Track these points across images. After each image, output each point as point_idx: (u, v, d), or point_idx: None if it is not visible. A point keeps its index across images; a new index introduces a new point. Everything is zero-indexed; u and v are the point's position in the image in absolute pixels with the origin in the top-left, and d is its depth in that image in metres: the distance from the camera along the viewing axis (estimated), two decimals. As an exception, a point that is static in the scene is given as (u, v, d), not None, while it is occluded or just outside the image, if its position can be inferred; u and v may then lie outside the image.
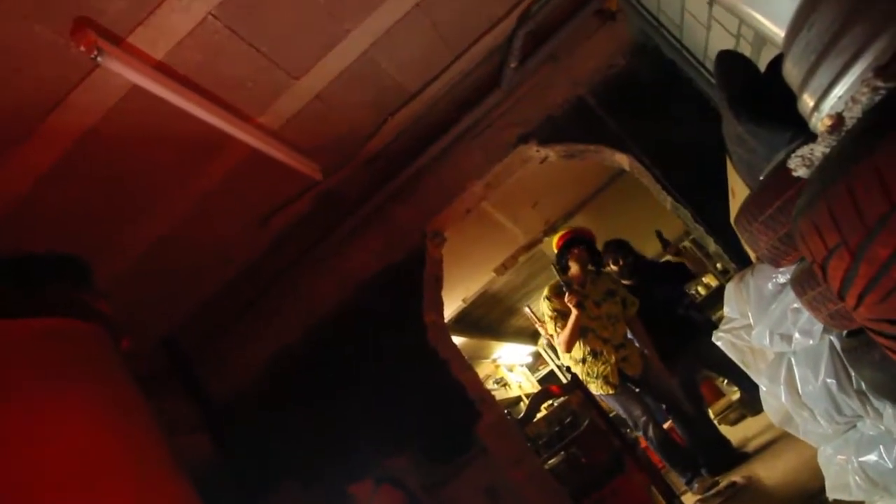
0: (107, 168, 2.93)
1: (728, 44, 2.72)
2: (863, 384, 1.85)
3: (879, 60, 0.81)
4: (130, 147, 2.90)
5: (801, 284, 1.56)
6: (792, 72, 0.98)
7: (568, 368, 4.99)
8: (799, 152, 0.95)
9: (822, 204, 0.82)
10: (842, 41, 0.85)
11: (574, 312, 4.61)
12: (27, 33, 2.17)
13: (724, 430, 5.59)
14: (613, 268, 5.18)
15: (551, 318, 4.85)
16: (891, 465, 1.94)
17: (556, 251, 5.08)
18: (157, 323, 4.26)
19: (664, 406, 4.92)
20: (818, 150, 0.91)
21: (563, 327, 4.72)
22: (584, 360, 4.78)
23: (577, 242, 4.95)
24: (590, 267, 4.93)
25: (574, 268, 4.88)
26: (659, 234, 5.34)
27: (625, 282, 5.13)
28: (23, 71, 2.30)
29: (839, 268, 0.84)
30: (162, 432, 2.28)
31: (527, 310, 9.48)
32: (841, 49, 0.85)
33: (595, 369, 4.74)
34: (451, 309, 7.33)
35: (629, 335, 4.92)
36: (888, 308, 0.81)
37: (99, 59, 2.23)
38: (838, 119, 0.85)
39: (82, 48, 2.21)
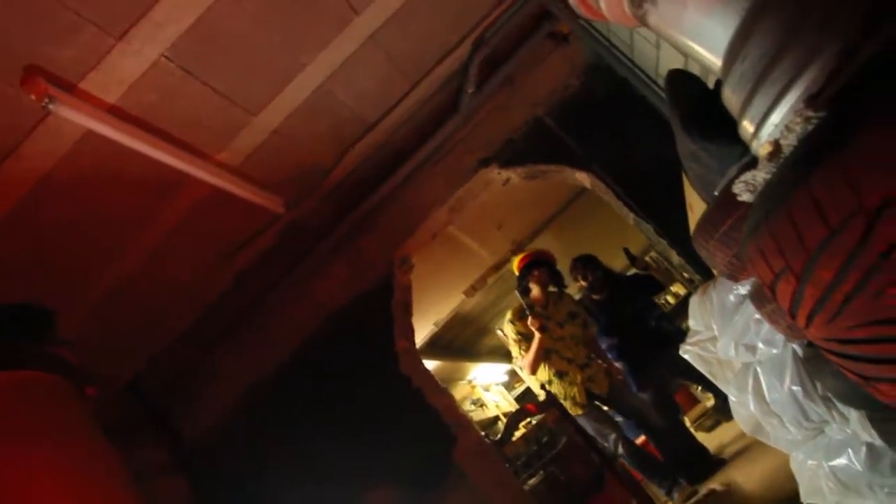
0: (65, 214, 2.89)
1: (678, 62, 2.78)
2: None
3: (810, 90, 0.84)
4: (87, 191, 2.86)
5: (759, 298, 1.58)
6: (731, 99, 1.01)
7: (542, 386, 5.00)
8: (742, 178, 0.98)
9: (766, 230, 0.84)
10: (774, 71, 0.88)
11: (537, 336, 4.64)
12: (-25, 84, 2.15)
13: (702, 436, 5.62)
14: (583, 283, 5.20)
15: (515, 341, 4.88)
16: (860, 468, 1.97)
17: (516, 274, 5.11)
18: (125, 366, 4.19)
19: (634, 421, 4.95)
20: (760, 175, 0.93)
21: (527, 350, 4.75)
22: (549, 382, 4.80)
23: (536, 265, 4.98)
24: (551, 288, 4.97)
25: (535, 290, 4.91)
26: (626, 252, 5.40)
27: (595, 296, 5.16)
28: (-28, 122, 2.28)
29: (787, 291, 0.86)
30: (130, 484, 2.23)
31: (499, 332, 9.53)
32: (774, 79, 0.88)
33: (562, 390, 4.76)
34: (422, 333, 7.32)
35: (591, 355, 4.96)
36: (836, 328, 0.83)
37: (50, 106, 2.21)
38: (776, 146, 0.87)
39: (33, 97, 2.19)
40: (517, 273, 5.11)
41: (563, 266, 5.26)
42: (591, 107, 3.97)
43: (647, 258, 10.38)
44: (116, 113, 2.56)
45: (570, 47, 4.00)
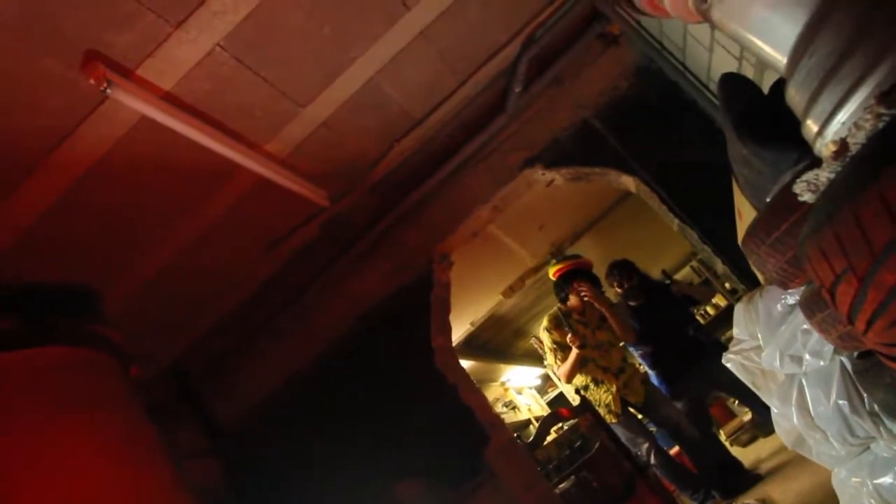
0: (115, 198, 2.96)
1: (731, 66, 2.74)
2: (875, 406, 1.83)
3: (882, 87, 0.81)
4: (139, 177, 2.92)
5: (810, 307, 1.55)
6: (795, 98, 0.99)
7: (577, 391, 4.97)
8: (804, 177, 0.96)
9: (829, 230, 0.82)
10: (844, 68, 0.86)
11: (574, 350, 4.62)
12: (38, 66, 2.21)
13: (737, 451, 5.54)
14: (618, 290, 5.15)
15: (551, 349, 4.86)
16: (906, 488, 1.92)
17: (553, 280, 5.07)
18: (166, 350, 4.28)
19: (667, 432, 4.89)
20: (823, 175, 0.91)
21: (563, 359, 4.74)
22: (585, 388, 4.78)
23: (576, 275, 4.94)
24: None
25: (574, 299, 4.88)
26: (664, 273, 5.33)
27: (631, 303, 5.11)
28: (33, 103, 2.34)
29: (847, 293, 0.84)
30: (171, 460, 2.28)
31: (533, 340, 9.50)
32: (843, 76, 0.86)
33: (597, 397, 4.74)
34: (459, 332, 7.32)
35: (628, 359, 4.91)
36: (897, 333, 0.81)
37: (108, 91, 2.26)
38: (843, 145, 0.85)
39: (92, 81, 2.25)
40: (554, 279, 5.08)
41: (600, 270, 5.22)
42: (640, 110, 3.93)
43: (689, 266, 10.27)
44: (171, 100, 2.61)
45: (620, 49, 3.96)
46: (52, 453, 1.82)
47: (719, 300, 10.29)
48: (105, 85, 2.24)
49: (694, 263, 11.06)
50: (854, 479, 2.13)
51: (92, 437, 1.95)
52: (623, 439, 4.87)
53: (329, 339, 4.36)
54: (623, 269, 5.18)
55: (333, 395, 4.26)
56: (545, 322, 4.98)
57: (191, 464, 4.09)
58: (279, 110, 3.06)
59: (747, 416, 6.13)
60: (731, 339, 2.69)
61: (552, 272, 5.13)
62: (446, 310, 4.43)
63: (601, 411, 4.72)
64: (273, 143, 3.22)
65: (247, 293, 4.30)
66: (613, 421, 4.74)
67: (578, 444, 4.95)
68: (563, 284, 4.96)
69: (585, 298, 4.80)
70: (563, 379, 4.90)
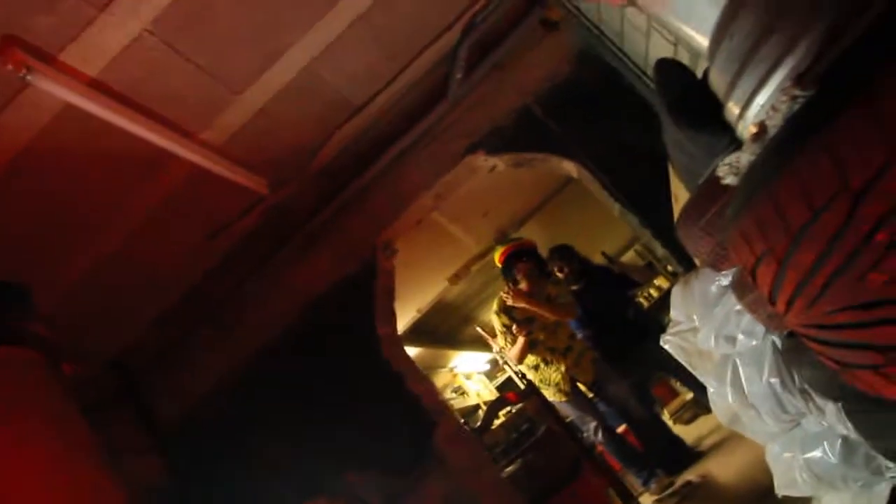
0: (43, 189, 2.86)
1: (667, 51, 2.76)
2: (804, 383, 1.88)
3: (798, 68, 0.82)
4: (67, 167, 2.82)
5: (740, 288, 1.58)
6: (717, 81, 1.00)
7: (523, 375, 5.01)
8: (726, 160, 0.97)
9: (749, 213, 0.83)
10: (762, 50, 0.87)
11: (521, 339, 4.67)
12: (-49, 53, 2.10)
13: (680, 429, 5.66)
14: (559, 275, 5.18)
15: (501, 333, 4.88)
16: (834, 461, 1.98)
17: (499, 265, 5.09)
18: (104, 346, 4.15)
19: (615, 410, 4.97)
20: (744, 158, 0.92)
21: (513, 342, 4.75)
22: (537, 367, 4.83)
23: (520, 255, 4.96)
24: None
25: (523, 283, 4.90)
26: (604, 255, 5.40)
27: (572, 287, 5.15)
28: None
29: (767, 274, 0.85)
30: (107, 459, 2.21)
31: (478, 329, 9.52)
32: (761, 58, 0.87)
33: (548, 376, 4.79)
34: (405, 319, 7.29)
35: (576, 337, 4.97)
36: (815, 314, 0.82)
37: (28, 77, 2.17)
38: (762, 127, 0.86)
39: (10, 67, 2.14)
40: (500, 265, 5.10)
41: (543, 255, 5.26)
42: (580, 96, 3.95)
43: (633, 250, 10.43)
44: (97, 87, 2.52)
45: (560, 35, 3.97)
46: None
47: (662, 282, 10.49)
48: (24, 71, 2.15)
49: (638, 247, 11.22)
50: (786, 454, 2.19)
51: (19, 440, 1.88)
52: (573, 417, 4.94)
53: (273, 330, 4.30)
54: (563, 254, 5.23)
55: (279, 387, 4.20)
56: (494, 306, 5.00)
57: (133, 461, 4.00)
58: (213, 97, 2.98)
59: (690, 395, 6.27)
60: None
61: (497, 257, 5.15)
62: (391, 298, 4.41)
63: (551, 390, 4.78)
64: (209, 130, 3.13)
65: (188, 285, 4.19)
66: (563, 399, 4.79)
67: (525, 427, 5.01)
68: (509, 268, 4.97)
69: (510, 303, 4.81)
70: (514, 361, 4.93)
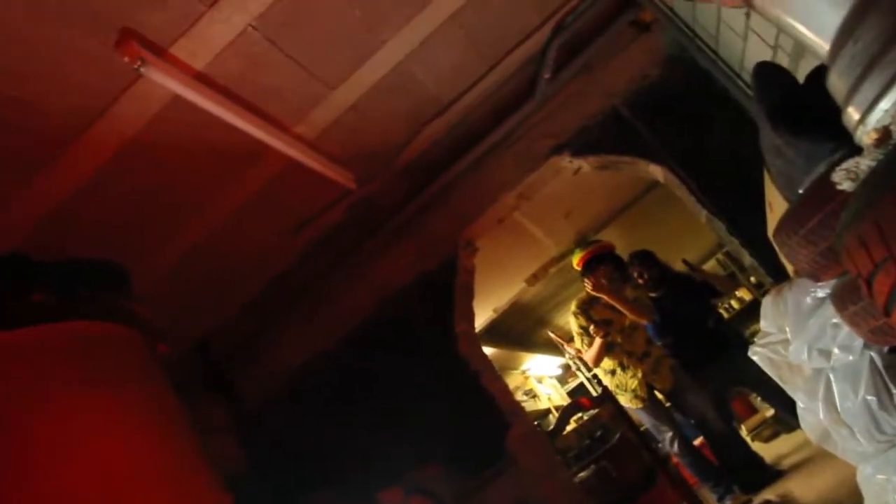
0: (146, 176, 2.99)
1: (765, 55, 2.69)
2: (905, 402, 1.81)
3: (928, 74, 0.80)
4: (170, 156, 2.95)
5: (842, 299, 1.53)
6: (837, 84, 0.97)
7: (599, 381, 4.95)
8: (844, 165, 0.94)
9: (869, 218, 0.81)
10: (889, 54, 0.84)
11: (598, 340, 4.62)
12: (72, 45, 2.23)
13: (758, 447, 5.49)
14: (638, 280, 5.11)
15: (578, 334, 4.85)
16: (933, 486, 1.89)
17: (579, 269, 5.04)
18: (191, 328, 4.32)
19: (693, 422, 4.86)
20: (864, 163, 0.89)
21: (589, 344, 4.72)
22: (613, 372, 4.77)
23: (600, 259, 4.92)
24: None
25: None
26: (685, 262, 5.27)
27: (651, 293, 5.06)
28: (67, 81, 2.36)
29: (885, 283, 0.83)
30: (197, 435, 2.31)
31: (550, 334, 9.46)
32: (888, 62, 0.84)
33: (624, 381, 4.73)
34: (481, 319, 7.31)
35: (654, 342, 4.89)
36: (936, 325, 0.79)
37: (141, 69, 2.28)
38: (885, 132, 0.84)
39: (126, 59, 2.26)
40: (579, 268, 5.06)
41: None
42: (670, 99, 3.88)
43: (715, 259, 10.16)
44: (203, 80, 2.62)
45: (651, 36, 3.92)
46: (79, 424, 1.85)
47: (744, 294, 10.19)
48: (139, 63, 2.26)
49: (720, 256, 10.94)
50: (880, 476, 2.10)
51: (118, 409, 1.99)
52: (647, 426, 4.85)
53: (353, 321, 4.39)
54: (643, 260, 5.14)
55: (356, 378, 4.29)
56: (573, 307, 4.98)
57: (214, 440, 4.14)
58: (309, 92, 3.06)
59: (769, 412, 6.07)
60: (754, 333, 2.66)
61: (576, 261, 5.12)
62: (470, 296, 4.44)
63: (627, 396, 4.72)
64: (302, 125, 3.22)
65: (274, 274, 4.33)
66: (639, 406, 4.72)
67: (599, 433, 4.96)
68: (590, 271, 4.94)
69: (591, 290, 4.79)
70: (590, 363, 4.91)
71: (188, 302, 4.02)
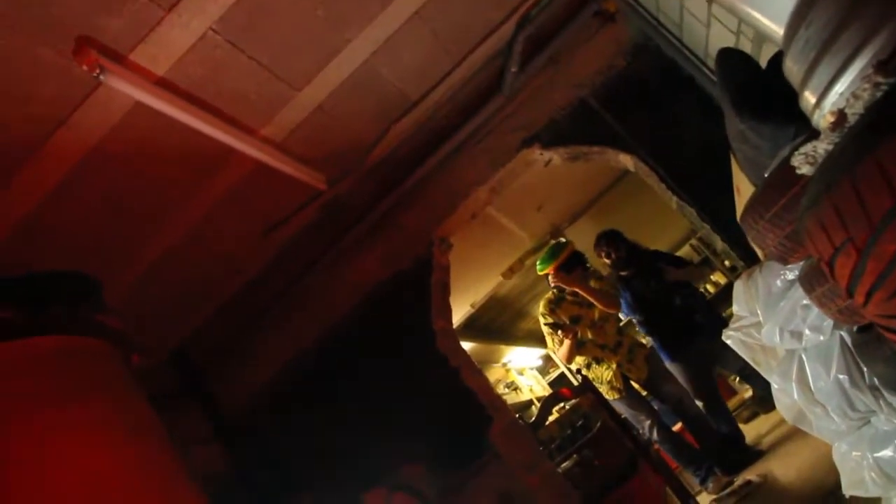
0: (113, 185, 2.95)
1: (728, 41, 2.71)
2: (875, 379, 1.83)
3: (879, 56, 0.80)
4: (135, 163, 2.91)
5: (809, 281, 1.55)
6: (792, 69, 0.98)
7: (578, 371, 4.97)
8: (802, 150, 0.95)
9: (828, 202, 0.81)
10: (841, 37, 0.85)
11: (567, 341, 4.64)
12: (30, 54, 2.19)
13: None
14: (606, 261, 5.07)
15: (548, 334, 4.85)
16: (906, 460, 1.92)
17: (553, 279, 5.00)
18: (168, 337, 4.28)
19: (671, 408, 4.89)
20: (821, 147, 0.90)
21: (559, 342, 4.72)
22: (588, 366, 4.81)
23: (571, 265, 4.91)
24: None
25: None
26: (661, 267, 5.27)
27: (621, 273, 5.02)
28: (26, 91, 2.32)
29: (846, 265, 0.84)
30: (175, 448, 2.28)
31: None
32: (840, 45, 0.85)
33: (599, 374, 4.76)
34: (459, 314, 7.33)
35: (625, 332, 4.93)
36: (897, 304, 0.80)
37: (101, 77, 2.24)
38: (840, 116, 0.84)
39: (84, 67, 2.22)
40: (553, 280, 4.99)
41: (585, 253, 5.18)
42: (637, 88, 3.91)
43: (689, 244, 10.22)
44: (165, 85, 2.59)
45: (616, 26, 3.93)
46: (52, 441, 1.82)
47: (719, 278, 10.30)
48: (98, 71, 2.22)
49: (694, 241, 11.04)
50: (855, 453, 2.13)
51: (93, 426, 1.95)
52: (626, 416, 4.88)
53: (330, 323, 4.37)
54: (610, 240, 5.03)
55: (336, 379, 4.27)
56: (541, 307, 4.97)
57: (196, 451, 4.11)
58: (274, 94, 3.04)
59: (748, 394, 6.14)
60: (730, 316, 2.68)
61: (546, 270, 5.03)
62: (446, 292, 4.43)
63: (604, 388, 4.74)
64: (269, 127, 3.20)
65: (247, 278, 4.29)
66: (616, 397, 4.75)
67: (580, 423, 4.98)
68: (563, 279, 4.91)
69: (553, 285, 4.81)
70: (563, 361, 4.93)
71: (163, 311, 3.98)
